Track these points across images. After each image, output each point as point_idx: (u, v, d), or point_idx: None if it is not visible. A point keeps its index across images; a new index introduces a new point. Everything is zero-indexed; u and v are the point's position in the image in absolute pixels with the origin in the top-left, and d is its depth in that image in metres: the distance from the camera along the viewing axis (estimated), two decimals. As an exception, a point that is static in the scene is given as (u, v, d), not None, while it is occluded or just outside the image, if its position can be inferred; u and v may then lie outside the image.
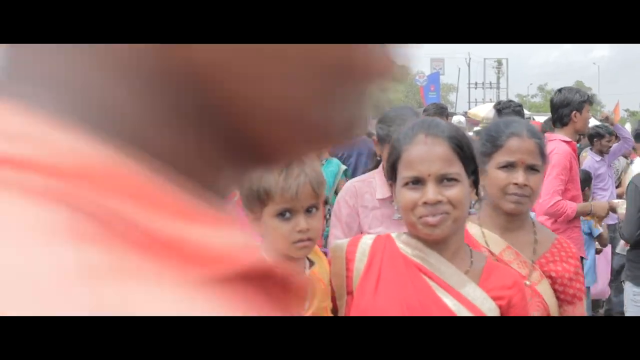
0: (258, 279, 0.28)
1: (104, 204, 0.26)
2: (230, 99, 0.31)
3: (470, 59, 49.19)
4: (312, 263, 1.82)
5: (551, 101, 4.41)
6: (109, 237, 0.25)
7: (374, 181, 2.60)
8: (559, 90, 4.42)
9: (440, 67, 38.95)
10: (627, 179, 5.96)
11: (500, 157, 2.00)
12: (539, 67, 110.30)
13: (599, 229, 4.94)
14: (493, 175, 2.01)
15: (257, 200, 1.64)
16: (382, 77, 0.34)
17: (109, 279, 0.23)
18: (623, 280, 4.48)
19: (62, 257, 0.23)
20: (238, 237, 0.28)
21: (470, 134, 12.25)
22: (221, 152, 0.32)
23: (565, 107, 4.22)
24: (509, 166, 2.00)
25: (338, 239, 2.25)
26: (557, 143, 4.09)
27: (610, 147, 6.62)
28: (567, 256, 2.03)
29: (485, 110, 16.56)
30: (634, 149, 6.93)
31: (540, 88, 56.35)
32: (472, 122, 15.09)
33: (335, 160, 5.70)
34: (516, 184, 1.97)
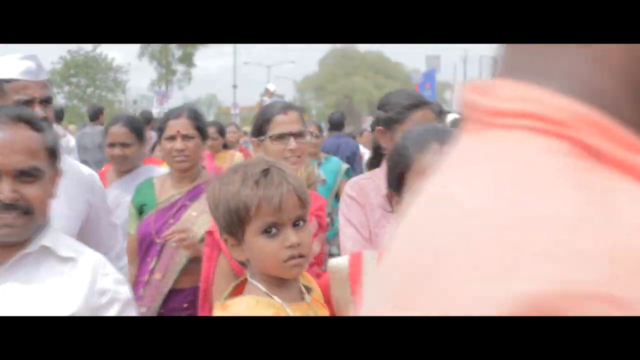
0: None
1: (585, 139, 0.39)
2: None
3: (466, 56, 49.07)
4: (309, 289, 1.54)
5: None
6: (588, 158, 0.39)
7: (378, 179, 2.36)
8: None
9: (436, 65, 38.71)
10: None
11: None
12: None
13: None
14: None
15: (237, 220, 1.43)
16: None
17: (594, 174, 0.38)
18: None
19: (562, 164, 0.39)
20: None
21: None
22: None
23: None
24: None
25: (352, 239, 2.17)
26: None
27: None
28: None
29: (481, 109, 16.34)
30: None
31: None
32: (468, 120, 14.87)
33: (335, 158, 5.31)
34: None
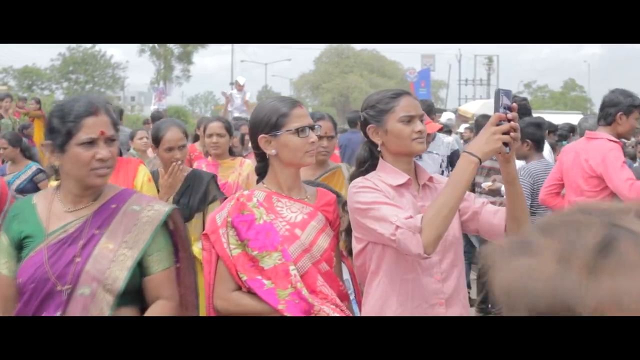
0: None
1: None
2: None
3: (461, 55, 49.17)
4: None
5: (603, 99, 4.31)
6: None
7: (381, 175, 2.36)
8: (613, 90, 4.33)
9: (431, 63, 38.91)
10: None
11: None
12: (529, 64, 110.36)
13: None
14: None
15: None
16: None
17: None
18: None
19: None
20: None
21: (461, 130, 12.25)
22: None
23: (613, 107, 4.19)
24: None
25: (394, 212, 2.11)
26: (604, 142, 4.12)
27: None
28: None
29: (475, 107, 16.59)
30: None
31: (527, 85, 55.84)
32: (462, 118, 15.12)
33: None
34: None
